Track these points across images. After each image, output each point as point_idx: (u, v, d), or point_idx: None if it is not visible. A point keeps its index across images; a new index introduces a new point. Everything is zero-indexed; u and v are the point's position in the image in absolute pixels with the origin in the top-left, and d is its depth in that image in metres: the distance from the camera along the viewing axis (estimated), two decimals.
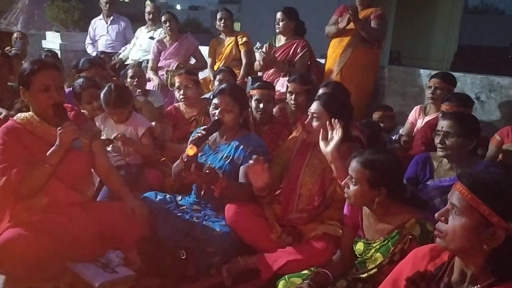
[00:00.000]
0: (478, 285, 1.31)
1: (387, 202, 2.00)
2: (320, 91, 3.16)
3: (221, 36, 5.24)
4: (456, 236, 1.30)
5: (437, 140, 2.53)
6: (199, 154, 2.79)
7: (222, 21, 5.08)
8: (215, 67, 5.06)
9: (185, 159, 2.44)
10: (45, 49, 6.39)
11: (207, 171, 2.38)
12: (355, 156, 2.07)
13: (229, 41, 5.10)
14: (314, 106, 2.49)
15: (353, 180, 2.01)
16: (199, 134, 2.47)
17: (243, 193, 2.57)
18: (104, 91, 3.17)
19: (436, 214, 1.37)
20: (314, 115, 2.48)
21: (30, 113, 2.39)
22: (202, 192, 2.69)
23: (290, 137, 2.88)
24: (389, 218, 2.03)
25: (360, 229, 2.16)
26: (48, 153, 2.25)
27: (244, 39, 5.00)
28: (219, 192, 2.45)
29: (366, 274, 2.04)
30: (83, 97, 3.23)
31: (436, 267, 1.43)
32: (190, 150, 2.37)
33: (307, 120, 2.52)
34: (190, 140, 2.49)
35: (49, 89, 2.28)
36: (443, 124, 2.51)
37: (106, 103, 3.14)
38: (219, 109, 2.62)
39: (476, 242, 1.27)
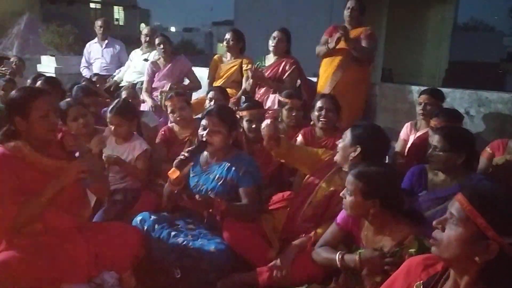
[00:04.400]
0: None
1: (383, 214, 2.05)
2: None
3: (225, 55, 5.26)
4: (450, 245, 1.32)
5: (428, 153, 2.62)
6: (191, 176, 2.82)
7: (227, 42, 5.09)
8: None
9: (176, 191, 2.52)
10: (38, 73, 6.41)
11: (199, 198, 2.41)
12: (351, 169, 2.14)
13: (233, 62, 5.11)
14: (346, 133, 2.59)
15: (348, 191, 2.09)
16: (182, 157, 2.48)
17: (249, 213, 2.62)
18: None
19: (434, 222, 1.39)
20: (343, 136, 2.59)
21: (19, 141, 2.34)
22: (205, 220, 2.69)
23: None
24: (386, 231, 2.07)
25: (360, 239, 2.20)
26: (47, 187, 2.26)
27: (249, 66, 5.03)
28: (220, 215, 2.49)
29: None
30: (69, 114, 3.24)
31: (429, 276, 1.45)
32: (173, 174, 2.41)
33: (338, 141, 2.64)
34: (174, 163, 2.50)
35: (48, 115, 2.30)
36: (434, 139, 2.61)
37: (110, 109, 3.24)
38: (207, 130, 2.66)
39: (469, 254, 1.29)
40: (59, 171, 2.36)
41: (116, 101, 3.36)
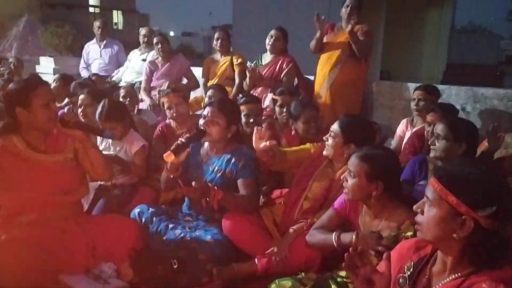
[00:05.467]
0: (458, 274, 1.35)
1: (384, 197, 2.06)
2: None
3: (215, 55, 5.34)
4: (429, 227, 1.36)
5: (430, 142, 2.67)
6: (193, 168, 2.83)
7: (219, 41, 5.18)
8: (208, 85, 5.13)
9: (172, 176, 2.52)
10: (31, 73, 6.44)
11: (196, 185, 2.41)
12: (354, 151, 2.15)
13: (224, 60, 5.19)
14: (334, 126, 2.60)
15: (352, 173, 2.09)
16: (179, 142, 2.49)
17: (246, 205, 2.62)
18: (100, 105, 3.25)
19: (414, 207, 1.44)
20: (331, 133, 2.59)
21: (14, 137, 2.36)
22: (204, 209, 2.69)
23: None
24: (384, 216, 2.09)
25: (357, 224, 2.21)
26: None
27: (240, 60, 5.11)
28: (217, 204, 2.49)
29: None
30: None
31: (419, 258, 1.48)
32: (168, 157, 2.41)
33: (326, 136, 2.63)
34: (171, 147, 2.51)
35: (49, 104, 2.33)
36: (437, 127, 2.65)
37: (98, 115, 3.19)
38: (205, 119, 2.67)
39: (447, 232, 1.32)
40: (53, 164, 2.39)
41: (101, 105, 3.24)
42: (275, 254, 2.43)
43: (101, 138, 3.31)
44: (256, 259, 2.50)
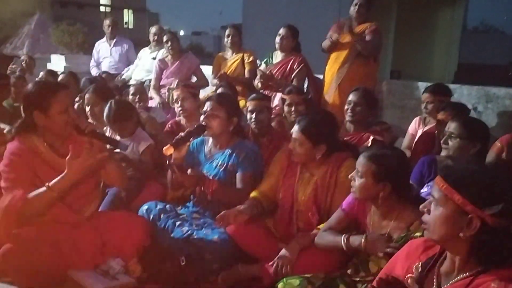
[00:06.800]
0: (467, 273, 1.33)
1: (392, 198, 2.04)
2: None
3: (226, 52, 5.33)
4: (436, 226, 1.35)
5: (443, 140, 2.62)
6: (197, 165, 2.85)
7: (230, 38, 5.16)
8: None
9: (167, 162, 2.56)
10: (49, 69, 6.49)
11: (191, 173, 2.44)
12: (363, 151, 2.13)
13: (235, 57, 5.17)
14: (294, 132, 2.48)
15: (359, 173, 2.06)
16: (179, 136, 2.54)
17: (240, 199, 2.59)
18: (106, 106, 3.25)
19: (420, 206, 1.43)
20: (296, 141, 2.47)
21: (35, 137, 2.34)
22: (196, 198, 2.72)
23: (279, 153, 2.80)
24: (393, 216, 2.06)
25: (366, 225, 2.19)
26: (53, 181, 2.18)
27: (251, 58, 5.08)
28: (211, 194, 2.51)
29: (370, 277, 2.03)
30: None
31: (427, 257, 1.46)
32: (167, 150, 2.45)
33: (290, 143, 2.52)
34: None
35: (67, 110, 2.30)
36: (450, 126, 2.59)
37: (106, 117, 3.21)
38: (206, 114, 2.71)
39: (454, 231, 1.31)
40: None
41: (107, 107, 3.23)
42: (281, 264, 2.32)
43: (110, 133, 3.34)
44: (265, 268, 2.41)
